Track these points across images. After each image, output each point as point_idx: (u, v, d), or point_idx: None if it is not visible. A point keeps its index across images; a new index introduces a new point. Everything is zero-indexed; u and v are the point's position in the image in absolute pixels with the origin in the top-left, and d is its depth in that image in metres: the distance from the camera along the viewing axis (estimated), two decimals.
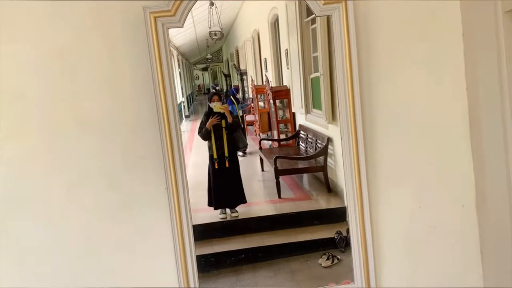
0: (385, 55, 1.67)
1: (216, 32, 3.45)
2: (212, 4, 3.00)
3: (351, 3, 1.57)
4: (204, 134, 2.75)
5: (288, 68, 3.33)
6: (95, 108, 1.58)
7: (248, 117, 4.04)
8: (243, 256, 2.36)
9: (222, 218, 2.77)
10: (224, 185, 2.85)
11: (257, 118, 3.93)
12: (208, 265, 2.16)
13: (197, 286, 1.62)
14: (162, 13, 1.50)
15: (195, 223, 1.63)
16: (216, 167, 2.79)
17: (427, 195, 1.75)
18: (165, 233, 1.61)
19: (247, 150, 3.51)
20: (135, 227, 1.63)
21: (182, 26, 1.54)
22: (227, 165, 2.80)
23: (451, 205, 1.77)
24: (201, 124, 2.80)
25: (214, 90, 3.87)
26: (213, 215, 2.74)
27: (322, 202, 2.92)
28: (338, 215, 2.37)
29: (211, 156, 2.80)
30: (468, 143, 1.74)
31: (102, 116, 1.59)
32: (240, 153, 3.26)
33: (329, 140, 2.73)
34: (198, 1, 1.52)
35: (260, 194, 3.20)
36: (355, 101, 1.62)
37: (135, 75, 1.57)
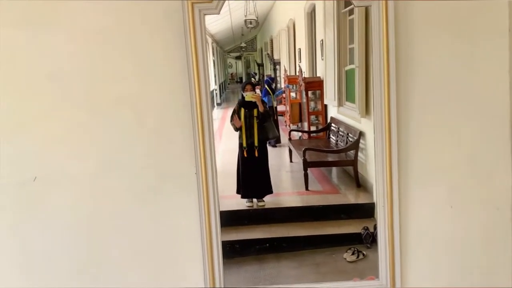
0: (425, 48, 1.61)
1: (252, 20, 3.44)
2: None
3: None
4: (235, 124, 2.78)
5: (322, 59, 3.29)
6: (130, 91, 1.61)
7: (279, 108, 4.03)
8: (267, 245, 2.38)
9: (249, 206, 2.79)
10: (252, 174, 2.87)
11: (288, 108, 3.91)
12: (232, 251, 2.18)
13: (221, 271, 1.64)
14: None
15: (221, 209, 1.65)
16: (245, 155, 2.81)
17: (460, 195, 1.70)
18: (193, 217, 1.64)
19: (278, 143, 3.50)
20: (163, 210, 1.66)
21: (219, 13, 1.54)
22: (256, 154, 2.82)
23: (485, 207, 1.71)
24: (233, 112, 2.83)
25: (253, 79, 3.87)
26: (239, 203, 2.77)
27: (350, 197, 2.89)
28: (366, 211, 2.34)
29: (240, 144, 2.83)
30: (508, 143, 1.67)
31: (137, 99, 1.61)
32: (271, 144, 3.27)
33: (361, 134, 2.69)
34: None
35: (288, 185, 3.20)
36: (391, 96, 1.58)
37: (170, 60, 1.59)
